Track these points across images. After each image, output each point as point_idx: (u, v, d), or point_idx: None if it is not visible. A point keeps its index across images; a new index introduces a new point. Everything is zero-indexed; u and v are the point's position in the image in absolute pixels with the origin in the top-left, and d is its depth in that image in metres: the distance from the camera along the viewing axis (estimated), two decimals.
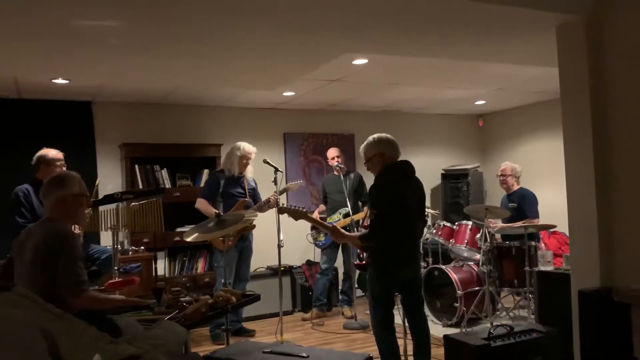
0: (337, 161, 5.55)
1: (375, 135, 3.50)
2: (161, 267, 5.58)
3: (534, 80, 5.53)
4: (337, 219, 5.55)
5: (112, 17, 3.03)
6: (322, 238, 5.61)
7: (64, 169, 4.16)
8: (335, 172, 5.55)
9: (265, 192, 5.22)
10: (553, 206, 5.25)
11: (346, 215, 5.41)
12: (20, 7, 2.78)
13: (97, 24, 3.13)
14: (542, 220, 5.24)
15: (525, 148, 7.23)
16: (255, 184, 5.25)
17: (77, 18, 3.00)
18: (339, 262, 5.83)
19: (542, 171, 6.55)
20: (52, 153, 4.12)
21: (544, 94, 6.30)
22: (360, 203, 5.73)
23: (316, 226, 3.97)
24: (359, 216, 5.43)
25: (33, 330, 1.55)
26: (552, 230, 5.72)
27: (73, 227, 3.16)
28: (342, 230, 3.56)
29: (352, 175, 5.69)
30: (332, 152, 5.69)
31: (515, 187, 5.42)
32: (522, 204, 5.26)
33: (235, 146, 5.05)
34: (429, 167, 7.24)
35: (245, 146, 5.03)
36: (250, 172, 5.14)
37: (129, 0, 2.76)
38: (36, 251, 2.51)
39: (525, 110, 7.22)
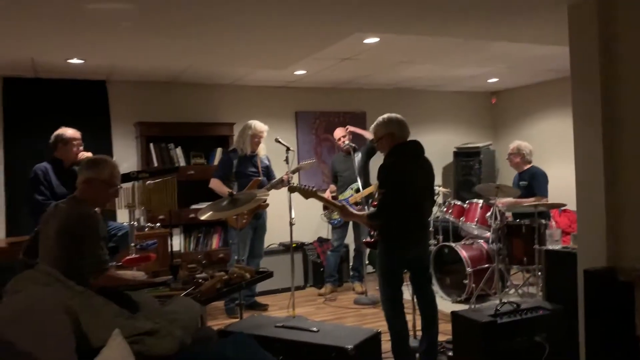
0: (344, 141, 5.59)
1: (385, 116, 3.53)
2: (177, 243, 5.71)
3: (547, 59, 5.49)
4: (349, 195, 5.61)
5: (125, 0, 3.07)
6: (335, 216, 5.69)
7: (81, 148, 4.26)
8: (344, 152, 5.60)
9: (278, 171, 5.29)
10: (564, 184, 5.23)
11: (358, 191, 5.46)
12: None
13: (111, 7, 3.18)
14: (554, 198, 5.24)
15: (538, 126, 7.19)
16: (269, 161, 5.31)
17: (92, 1, 3.05)
18: (350, 239, 5.92)
19: (555, 149, 6.53)
20: (70, 132, 4.21)
21: (557, 72, 6.25)
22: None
23: (326, 205, 4.04)
24: (369, 190, 5.46)
25: (57, 306, 1.64)
26: (562, 208, 5.74)
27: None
28: (351, 209, 3.63)
29: (360, 151, 5.72)
30: (339, 133, 5.71)
31: (526, 166, 5.42)
32: (531, 182, 5.27)
33: (247, 125, 5.10)
34: (441, 144, 7.26)
35: (257, 124, 5.07)
36: (263, 150, 5.19)
37: None
38: (60, 228, 2.61)
39: (538, 87, 7.17)
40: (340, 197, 5.66)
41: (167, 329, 1.91)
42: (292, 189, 3.84)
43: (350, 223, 5.77)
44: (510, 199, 5.25)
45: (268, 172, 5.25)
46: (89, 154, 4.19)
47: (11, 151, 5.39)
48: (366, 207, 5.14)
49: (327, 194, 5.74)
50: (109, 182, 2.81)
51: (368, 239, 3.69)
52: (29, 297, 1.64)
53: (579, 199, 3.30)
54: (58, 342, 1.53)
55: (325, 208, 5.70)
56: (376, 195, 3.58)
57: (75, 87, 5.64)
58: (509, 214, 5.49)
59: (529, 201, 5.06)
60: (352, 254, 6.04)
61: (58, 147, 4.18)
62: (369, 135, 5.15)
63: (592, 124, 3.17)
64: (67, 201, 2.79)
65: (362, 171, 5.50)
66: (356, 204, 5.44)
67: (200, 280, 2.98)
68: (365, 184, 5.47)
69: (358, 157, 5.59)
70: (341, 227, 5.76)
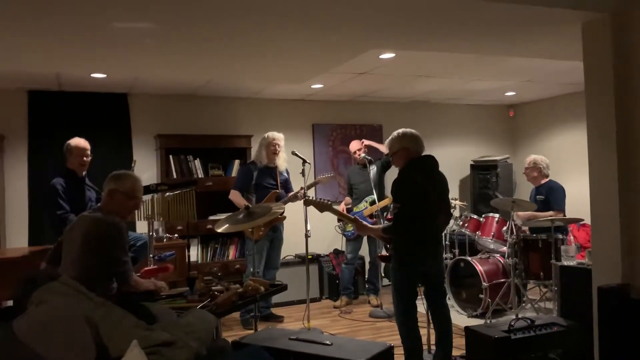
0: (359, 154, 5.64)
1: (400, 131, 3.57)
2: (194, 254, 5.79)
3: (564, 73, 5.48)
4: (363, 207, 5.64)
5: (148, 19, 3.18)
6: (350, 228, 5.71)
7: (88, 159, 4.38)
8: (360, 164, 5.65)
9: (296, 183, 5.34)
10: (583, 198, 5.17)
11: (372, 203, 5.50)
12: (64, 11, 2.96)
13: (134, 26, 3.29)
14: (572, 213, 5.21)
15: (556, 139, 7.16)
16: (288, 174, 5.36)
17: (116, 20, 3.16)
18: (365, 251, 5.94)
19: (573, 163, 6.49)
20: (75, 142, 4.34)
21: (575, 85, 6.23)
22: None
23: (341, 218, 4.08)
24: (385, 203, 5.48)
25: (78, 317, 1.71)
26: (581, 223, 5.69)
27: None
28: (366, 224, 3.67)
29: (376, 164, 5.75)
30: (355, 145, 5.75)
31: (543, 180, 5.39)
32: (548, 196, 5.25)
33: (264, 136, 5.18)
34: (458, 157, 7.26)
35: (271, 133, 5.14)
36: (284, 163, 5.25)
37: (163, 4, 2.89)
38: (85, 238, 2.70)
39: (556, 101, 7.14)
40: (355, 210, 5.69)
41: (183, 340, 1.97)
42: (307, 202, 3.90)
43: (365, 238, 5.80)
44: (527, 213, 5.22)
45: (287, 185, 5.31)
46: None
47: (36, 162, 5.54)
48: (382, 220, 5.17)
49: (342, 207, 5.78)
50: (129, 194, 2.94)
51: (383, 253, 3.72)
52: (53, 309, 1.71)
53: (594, 215, 3.29)
54: (79, 352, 1.59)
55: (339, 220, 5.73)
56: (391, 209, 3.61)
57: (98, 100, 5.78)
58: (526, 229, 5.46)
59: (546, 215, 5.04)
60: (367, 266, 6.05)
61: (67, 157, 4.32)
62: (384, 148, 5.20)
63: (607, 139, 3.17)
64: (92, 211, 2.90)
65: (377, 184, 5.53)
66: (371, 216, 5.46)
67: (215, 293, 3.04)
68: (380, 197, 5.48)
69: (374, 169, 5.61)
70: (355, 240, 5.78)
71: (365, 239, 5.81)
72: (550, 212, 5.12)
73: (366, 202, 5.67)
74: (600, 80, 3.20)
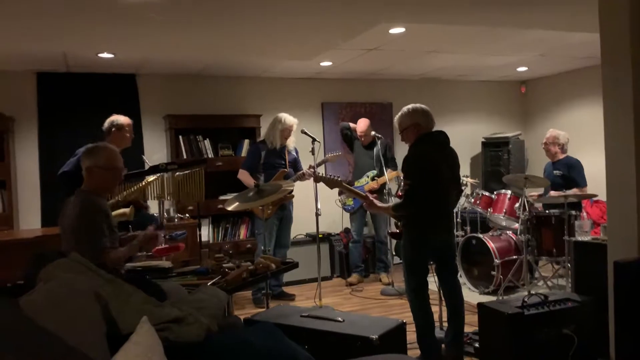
0: (361, 136, 5.68)
1: (410, 106, 3.51)
2: (205, 233, 5.80)
3: (578, 46, 5.36)
4: (365, 182, 5.64)
5: None
6: (350, 202, 5.73)
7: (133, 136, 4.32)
8: (364, 145, 5.72)
9: (305, 161, 5.31)
10: (597, 175, 5.12)
11: (374, 178, 5.56)
12: None
13: (140, 1, 3.24)
14: (587, 188, 5.15)
15: (569, 115, 7.04)
16: (297, 153, 5.34)
17: None
18: (372, 231, 5.94)
19: (587, 139, 6.37)
20: (123, 119, 4.28)
21: (589, 59, 6.10)
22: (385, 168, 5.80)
23: (351, 195, 4.06)
24: (385, 179, 5.51)
25: (88, 293, 1.70)
26: (594, 199, 5.62)
27: (108, 197, 3.30)
28: (376, 201, 3.63)
29: (379, 143, 5.73)
30: (361, 127, 5.71)
31: (561, 156, 5.31)
32: (570, 172, 5.16)
33: (277, 118, 5.12)
34: (469, 135, 7.18)
35: (287, 119, 5.09)
36: (292, 143, 5.22)
37: None
38: (71, 221, 2.70)
39: (569, 76, 7.01)
40: (356, 184, 5.68)
41: (194, 316, 1.96)
42: (317, 179, 3.88)
43: (368, 214, 5.79)
44: (557, 193, 5.10)
45: (295, 164, 5.28)
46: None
47: (46, 144, 5.55)
48: (389, 198, 5.18)
49: None
50: (106, 166, 2.84)
51: (394, 230, 3.69)
52: (62, 285, 1.70)
53: (610, 189, 3.22)
54: (89, 328, 1.59)
55: (340, 193, 5.75)
56: (402, 186, 3.57)
57: (106, 81, 5.76)
58: (539, 205, 5.40)
59: (569, 193, 4.94)
60: (376, 245, 6.05)
61: (112, 133, 4.25)
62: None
63: (624, 112, 3.08)
64: (75, 194, 2.86)
65: (379, 161, 5.56)
66: (372, 192, 5.44)
67: (226, 270, 3.03)
68: (380, 174, 5.56)
69: (378, 147, 5.62)
70: (359, 219, 5.78)
71: (368, 216, 5.82)
72: (574, 190, 5.04)
73: (367, 177, 5.65)
74: (617, 53, 3.11)
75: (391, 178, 5.50)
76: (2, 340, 1.11)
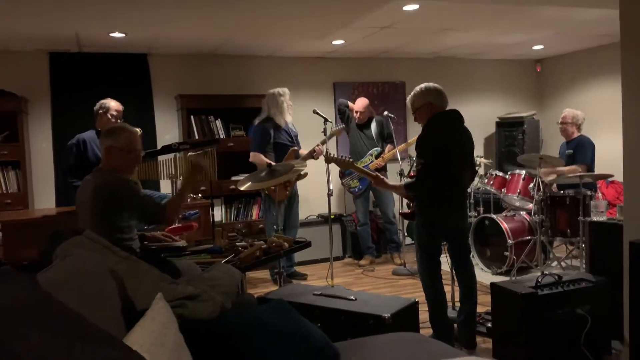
0: (357, 116, 5.64)
1: (423, 85, 3.46)
2: (218, 214, 5.83)
3: (595, 23, 5.25)
4: (369, 161, 5.62)
5: None
6: (355, 184, 5.70)
7: (118, 121, 4.35)
8: (359, 125, 5.71)
9: (313, 142, 5.27)
10: (613, 155, 5.06)
11: (378, 156, 5.57)
12: None
13: None
14: (602, 169, 5.08)
15: (586, 94, 6.93)
16: (295, 129, 5.30)
17: None
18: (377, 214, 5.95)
19: (604, 118, 6.29)
20: (110, 103, 4.31)
21: (606, 37, 5.98)
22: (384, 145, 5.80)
23: (362, 175, 4.04)
24: (389, 156, 5.55)
25: (103, 270, 1.71)
26: (610, 179, 5.55)
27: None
28: (386, 180, 3.61)
29: (376, 120, 5.72)
30: (359, 105, 5.67)
31: (575, 135, 5.26)
32: (575, 150, 5.13)
33: (277, 93, 5.02)
34: (483, 114, 7.10)
35: (286, 91, 5.04)
36: (289, 118, 5.15)
37: None
38: (93, 201, 2.71)
39: (586, 54, 6.88)
40: (361, 165, 5.65)
41: (208, 293, 1.97)
42: (328, 160, 3.85)
43: (371, 197, 5.76)
44: (548, 169, 5.10)
45: (297, 141, 5.25)
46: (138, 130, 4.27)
47: (59, 124, 5.58)
48: (401, 178, 5.17)
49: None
50: (126, 148, 2.86)
51: (405, 210, 3.68)
52: (78, 262, 1.71)
53: (626, 169, 3.18)
54: (105, 304, 1.60)
55: (342, 177, 5.74)
56: (414, 166, 3.54)
57: (118, 61, 5.76)
58: (554, 186, 5.35)
59: (570, 170, 4.92)
60: (385, 227, 6.03)
61: (98, 114, 4.30)
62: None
63: None
64: (92, 173, 2.88)
65: (379, 139, 5.58)
66: (377, 170, 5.41)
67: (240, 248, 3.05)
68: (379, 153, 5.59)
69: (374, 125, 5.63)
70: (361, 198, 5.77)
71: (371, 199, 5.79)
72: (574, 167, 5.00)
73: (371, 155, 5.61)
74: (637, 29, 3.04)
75: (393, 154, 5.47)
76: (24, 316, 1.12)
